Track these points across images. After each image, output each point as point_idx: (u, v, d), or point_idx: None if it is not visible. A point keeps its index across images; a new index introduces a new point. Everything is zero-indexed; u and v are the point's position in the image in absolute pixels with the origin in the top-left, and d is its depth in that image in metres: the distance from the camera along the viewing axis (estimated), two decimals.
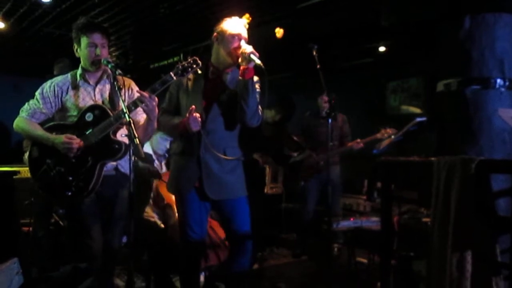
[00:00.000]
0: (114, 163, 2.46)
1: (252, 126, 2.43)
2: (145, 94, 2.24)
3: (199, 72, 2.41)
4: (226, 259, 2.84)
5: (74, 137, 2.31)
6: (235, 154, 2.50)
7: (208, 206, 2.54)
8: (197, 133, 2.37)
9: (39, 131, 2.39)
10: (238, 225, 2.49)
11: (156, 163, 3.60)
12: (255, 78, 2.40)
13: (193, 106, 2.32)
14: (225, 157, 2.43)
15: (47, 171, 2.37)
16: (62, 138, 2.31)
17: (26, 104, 2.48)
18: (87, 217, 2.43)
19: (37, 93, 2.47)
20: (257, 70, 2.33)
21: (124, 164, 2.49)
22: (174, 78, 2.26)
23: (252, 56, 2.24)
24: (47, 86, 2.46)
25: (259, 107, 2.42)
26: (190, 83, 2.46)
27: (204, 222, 2.56)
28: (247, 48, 2.29)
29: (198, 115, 2.32)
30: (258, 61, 2.24)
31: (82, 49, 2.40)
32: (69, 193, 2.34)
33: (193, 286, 2.60)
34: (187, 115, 2.32)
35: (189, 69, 2.26)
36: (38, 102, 2.44)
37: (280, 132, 5.51)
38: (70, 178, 2.34)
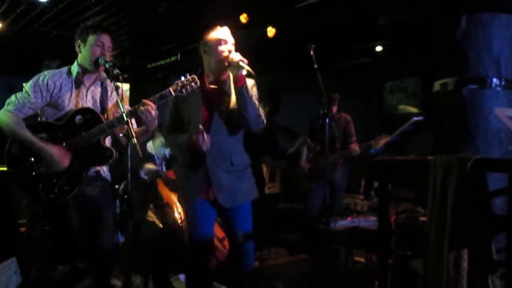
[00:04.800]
0: (98, 167, 2.44)
1: (257, 130, 2.45)
2: (151, 103, 2.23)
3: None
4: (229, 261, 2.84)
5: (66, 153, 2.27)
6: (241, 159, 2.51)
7: (215, 214, 2.53)
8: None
9: (26, 133, 2.27)
10: (244, 226, 2.50)
11: (157, 163, 3.61)
12: (250, 82, 2.41)
13: (201, 127, 2.32)
14: (232, 166, 2.44)
15: (28, 170, 2.27)
16: (51, 151, 2.24)
17: (13, 96, 2.34)
18: (70, 219, 2.39)
19: (26, 86, 2.36)
20: (248, 76, 2.34)
21: (106, 169, 2.49)
22: (173, 94, 2.27)
23: (241, 63, 2.26)
24: (40, 79, 2.38)
25: (260, 110, 2.42)
26: (189, 98, 2.45)
27: (211, 229, 2.55)
28: (234, 56, 2.30)
29: (207, 137, 2.32)
30: (247, 67, 2.25)
31: (87, 47, 2.35)
32: (52, 196, 2.28)
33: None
34: (195, 135, 2.32)
35: (188, 87, 2.29)
36: (28, 95, 2.33)
37: (270, 125, 5.51)
38: (54, 181, 2.28)
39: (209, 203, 2.45)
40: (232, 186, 2.43)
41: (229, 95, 2.44)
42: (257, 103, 2.41)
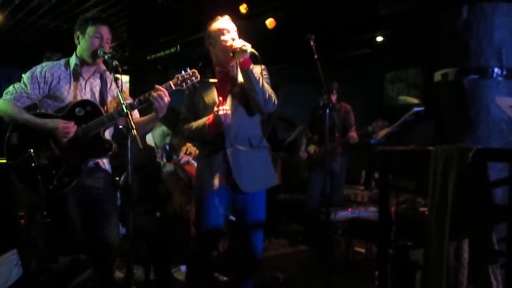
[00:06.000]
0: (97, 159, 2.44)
1: (270, 111, 2.47)
2: (163, 89, 2.24)
3: (201, 79, 2.40)
4: (234, 250, 2.84)
5: (70, 122, 2.26)
6: (260, 142, 2.52)
7: (228, 205, 2.51)
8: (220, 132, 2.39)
9: (27, 115, 2.30)
10: (256, 214, 2.51)
11: (158, 155, 3.60)
12: (258, 69, 2.42)
13: (221, 98, 2.35)
14: (252, 147, 2.45)
15: (28, 161, 2.26)
16: (57, 122, 2.25)
17: (11, 87, 2.36)
18: (69, 211, 2.38)
19: (25, 77, 2.38)
20: (252, 58, 2.34)
21: (106, 161, 2.49)
22: (173, 87, 2.28)
23: (244, 47, 2.27)
24: (37, 70, 2.38)
25: (270, 91, 2.43)
26: (201, 89, 2.48)
27: (221, 220, 2.52)
28: (237, 43, 2.32)
29: (227, 107, 2.33)
30: (250, 49, 2.27)
31: (85, 39, 2.35)
32: (51, 187, 2.28)
33: (203, 277, 2.61)
34: (215, 108, 2.33)
35: (188, 81, 2.29)
36: (26, 86, 2.35)
37: (269, 115, 5.54)
38: (54, 172, 2.28)
39: (225, 192, 2.45)
40: (250, 169, 2.44)
41: (236, 79, 2.47)
42: (266, 85, 2.41)
